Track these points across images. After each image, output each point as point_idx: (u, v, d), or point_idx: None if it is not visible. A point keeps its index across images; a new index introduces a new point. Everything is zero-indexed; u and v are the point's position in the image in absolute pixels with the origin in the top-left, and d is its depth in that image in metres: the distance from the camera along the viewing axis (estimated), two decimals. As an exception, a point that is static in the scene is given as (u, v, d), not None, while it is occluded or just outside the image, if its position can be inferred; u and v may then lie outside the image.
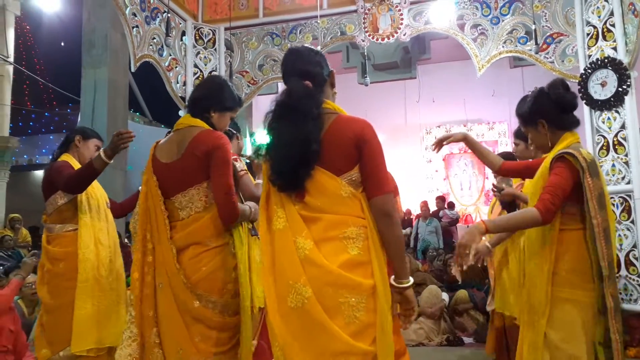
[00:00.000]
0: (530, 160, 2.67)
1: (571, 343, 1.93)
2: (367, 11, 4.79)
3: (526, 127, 2.17)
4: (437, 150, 2.65)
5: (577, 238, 1.99)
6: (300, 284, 1.56)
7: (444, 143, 2.58)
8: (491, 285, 3.45)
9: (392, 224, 1.64)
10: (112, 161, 2.55)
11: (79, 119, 7.44)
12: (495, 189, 3.04)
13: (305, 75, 1.73)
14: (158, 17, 4.51)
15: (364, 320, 1.55)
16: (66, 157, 2.85)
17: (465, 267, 3.40)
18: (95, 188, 2.90)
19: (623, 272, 3.92)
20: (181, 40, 4.92)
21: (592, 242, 1.94)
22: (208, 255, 1.98)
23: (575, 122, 2.13)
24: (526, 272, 2.15)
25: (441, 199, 9.95)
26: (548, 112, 2.08)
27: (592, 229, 1.92)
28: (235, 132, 2.78)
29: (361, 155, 1.64)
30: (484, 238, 3.38)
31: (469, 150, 10.64)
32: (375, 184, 1.64)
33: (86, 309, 2.66)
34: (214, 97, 2.13)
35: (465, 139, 2.58)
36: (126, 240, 5.71)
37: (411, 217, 10.14)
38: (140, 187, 3.25)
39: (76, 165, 2.81)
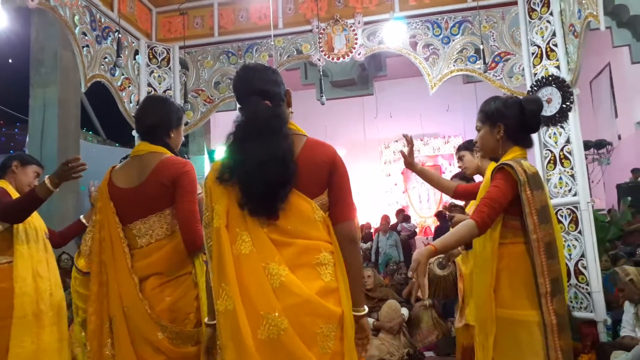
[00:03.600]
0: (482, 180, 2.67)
1: None
2: (322, 31, 4.85)
3: (483, 124, 2.12)
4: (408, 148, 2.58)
5: (518, 252, 1.92)
6: (275, 314, 1.46)
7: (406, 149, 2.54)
8: (459, 300, 3.26)
9: (357, 250, 1.65)
10: (57, 190, 2.41)
11: (27, 140, 7.15)
12: (448, 217, 3.06)
13: (264, 95, 1.66)
14: (109, 36, 4.42)
15: (334, 349, 1.51)
16: (2, 184, 2.69)
17: (438, 273, 3.28)
18: (34, 218, 2.72)
19: (573, 281, 4.07)
20: (134, 59, 4.83)
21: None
22: (171, 286, 1.91)
23: (529, 144, 2.11)
24: (475, 287, 2.14)
25: (401, 212, 10.09)
26: (511, 120, 2.04)
27: (530, 243, 1.88)
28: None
29: (331, 181, 1.63)
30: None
31: (427, 164, 10.76)
32: (343, 209, 1.63)
33: (23, 348, 2.47)
34: (169, 119, 2.09)
35: (417, 171, 2.54)
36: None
37: (370, 230, 10.22)
38: (81, 216, 3.19)
39: (13, 193, 2.66)
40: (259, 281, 1.49)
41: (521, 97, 2.17)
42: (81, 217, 3.19)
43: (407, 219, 10.18)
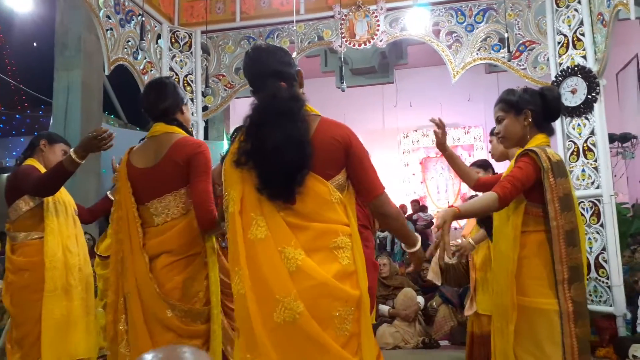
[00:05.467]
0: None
1: (536, 356, 1.87)
2: (344, 17, 4.82)
3: (507, 113, 2.12)
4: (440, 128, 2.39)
5: (539, 240, 1.93)
6: (291, 298, 1.47)
7: (438, 130, 2.37)
8: (470, 289, 3.40)
9: (392, 220, 1.72)
10: (83, 162, 2.38)
11: (51, 122, 7.27)
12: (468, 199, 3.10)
13: (279, 76, 1.65)
14: (133, 19, 4.46)
15: (351, 330, 1.53)
16: (31, 162, 2.72)
17: (448, 262, 3.39)
18: (63, 194, 2.77)
19: (593, 274, 4.02)
20: (157, 43, 4.87)
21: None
22: (180, 264, 1.96)
23: (551, 131, 2.15)
24: (493, 275, 2.15)
25: (416, 203, 10.02)
26: (539, 108, 2.07)
27: (550, 231, 1.89)
28: None
29: (349, 162, 1.62)
30: (469, 239, 3.39)
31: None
32: (367, 188, 1.65)
33: (54, 319, 2.54)
34: (179, 98, 2.15)
35: (448, 154, 2.42)
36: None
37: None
38: (108, 192, 3.23)
39: (42, 170, 2.68)
40: (275, 265, 1.50)
41: (539, 87, 2.19)
42: (108, 193, 3.20)
43: (423, 209, 10.13)
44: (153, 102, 2.11)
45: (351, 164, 1.62)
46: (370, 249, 2.90)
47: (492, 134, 3.24)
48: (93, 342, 2.74)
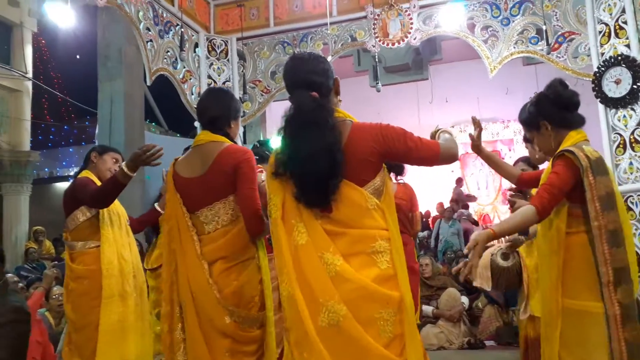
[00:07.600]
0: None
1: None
2: (376, 17, 4.81)
3: (530, 132, 2.16)
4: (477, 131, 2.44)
5: (583, 242, 1.88)
6: (334, 301, 1.52)
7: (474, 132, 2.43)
8: (524, 291, 3.09)
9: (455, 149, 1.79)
10: (135, 174, 2.51)
11: (97, 131, 7.57)
12: (509, 202, 3.01)
13: (311, 86, 1.68)
14: (171, 30, 4.59)
15: (394, 332, 1.56)
16: (85, 174, 2.88)
17: (502, 264, 3.23)
18: (117, 205, 2.91)
19: (643, 270, 3.88)
20: (194, 52, 4.99)
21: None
22: (237, 269, 2.00)
23: (580, 121, 2.09)
24: (540, 280, 2.11)
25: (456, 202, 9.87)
26: (549, 111, 2.07)
27: (592, 231, 1.83)
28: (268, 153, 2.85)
29: (394, 154, 1.68)
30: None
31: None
32: (427, 160, 1.71)
33: (111, 325, 2.66)
34: (230, 110, 2.19)
35: (484, 155, 2.45)
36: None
37: (428, 219, 10.08)
38: (155, 204, 3.35)
39: (96, 181, 2.83)
40: (316, 270, 1.55)
41: (541, 91, 2.18)
42: (155, 205, 3.36)
43: (465, 207, 9.98)
44: (204, 108, 2.20)
45: (396, 154, 1.67)
46: (407, 253, 2.84)
47: (525, 139, 3.16)
48: (147, 346, 2.85)
